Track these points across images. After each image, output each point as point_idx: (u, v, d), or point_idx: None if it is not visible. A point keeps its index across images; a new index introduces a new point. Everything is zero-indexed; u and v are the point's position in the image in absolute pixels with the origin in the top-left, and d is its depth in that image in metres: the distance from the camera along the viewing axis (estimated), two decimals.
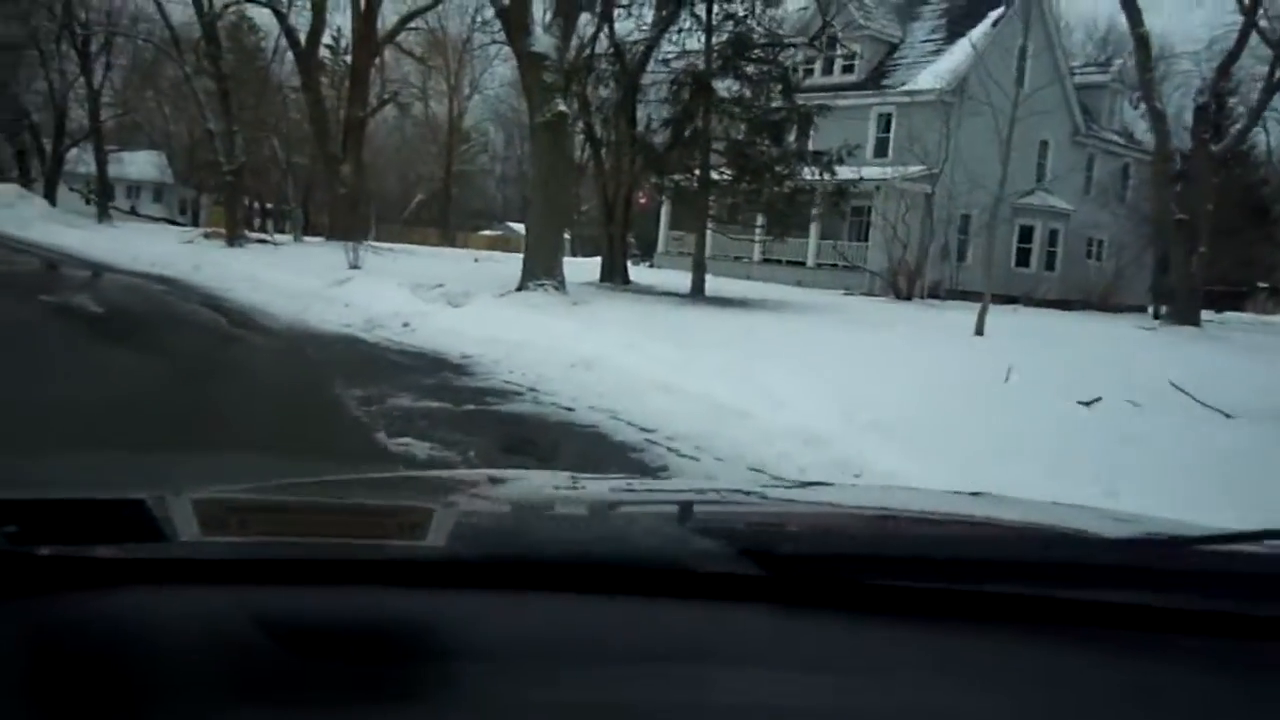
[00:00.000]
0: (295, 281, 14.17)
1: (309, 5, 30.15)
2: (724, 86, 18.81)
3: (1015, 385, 8.66)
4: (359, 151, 31.59)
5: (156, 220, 44.70)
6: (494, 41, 42.62)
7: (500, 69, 50.79)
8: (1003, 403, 7.49)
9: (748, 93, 18.77)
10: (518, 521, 1.23)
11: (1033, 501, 1.95)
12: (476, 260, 28.56)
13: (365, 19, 30.71)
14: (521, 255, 16.23)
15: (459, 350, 9.40)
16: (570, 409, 7.06)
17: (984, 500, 1.57)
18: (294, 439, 5.42)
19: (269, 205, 47.06)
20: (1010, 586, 0.97)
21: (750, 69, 18.77)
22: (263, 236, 27.97)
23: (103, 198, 34.32)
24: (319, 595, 0.88)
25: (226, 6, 26.72)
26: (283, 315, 11.44)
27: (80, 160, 39.59)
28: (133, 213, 44.41)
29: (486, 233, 61.18)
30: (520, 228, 59.29)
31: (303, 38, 29.86)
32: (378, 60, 32.67)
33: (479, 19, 41.44)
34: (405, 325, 10.73)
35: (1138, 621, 0.96)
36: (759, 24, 19.16)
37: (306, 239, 32.86)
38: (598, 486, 1.57)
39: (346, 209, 30.51)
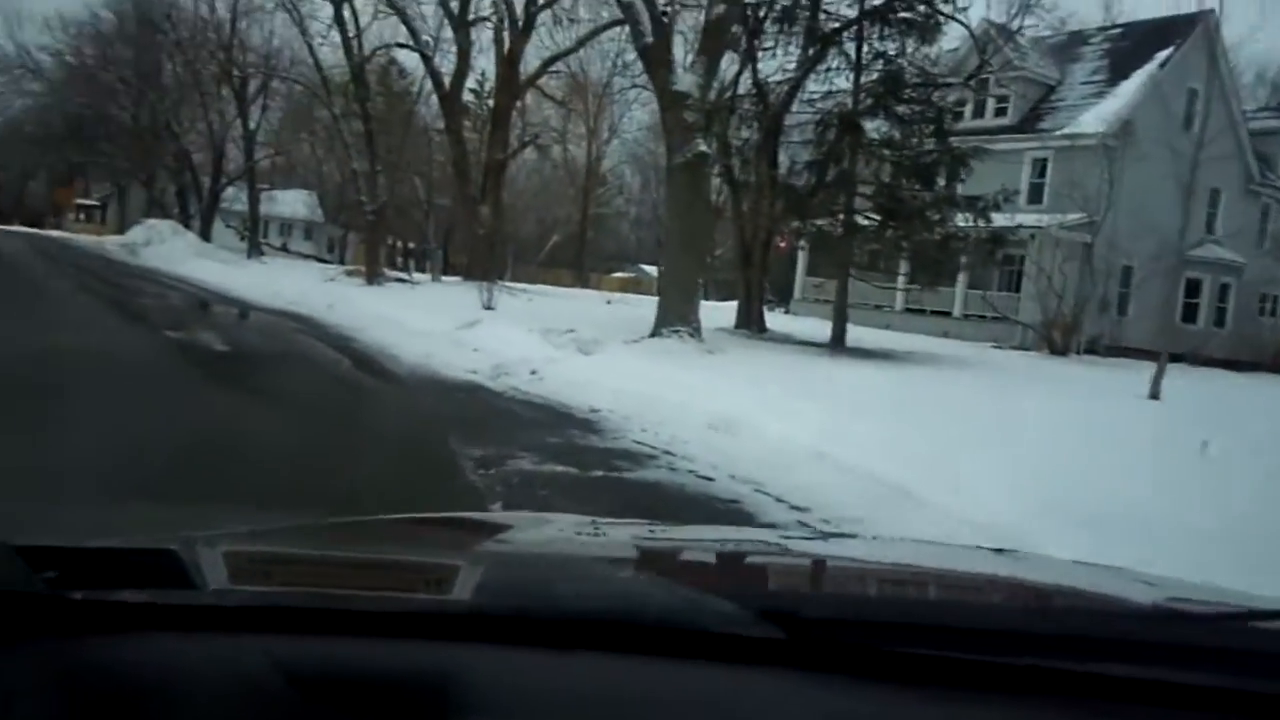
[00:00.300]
0: (426, 322, 13.74)
1: (454, 49, 30.51)
2: (872, 127, 17.80)
3: (1221, 461, 7.42)
4: (498, 193, 31.64)
5: (305, 257, 45.93)
6: (634, 85, 42.55)
7: (638, 113, 50.83)
8: (1223, 487, 6.29)
9: (897, 134, 17.70)
10: (542, 575, 1.18)
11: (1058, 561, 1.95)
12: (609, 302, 28.10)
13: (508, 63, 30.81)
14: (654, 298, 15.51)
15: (588, 403, 8.65)
16: (709, 479, 6.19)
17: (1009, 559, 1.61)
18: (397, 505, 4.69)
19: (410, 245, 47.97)
20: (1035, 659, 0.96)
21: (901, 109, 17.71)
22: (401, 276, 28.07)
23: (253, 234, 35.28)
24: (344, 646, 0.89)
25: (375, 51, 27.10)
26: (408, 358, 10.93)
27: (237, 199, 41.01)
28: (284, 249, 45.77)
29: (619, 275, 61.12)
30: (653, 270, 59.38)
31: (447, 81, 30.13)
32: (519, 103, 32.72)
33: (619, 63, 41.57)
34: (533, 373, 10.05)
35: (1167, 698, 0.94)
36: (910, 62, 18.12)
37: (444, 279, 33.02)
38: (621, 534, 1.56)
39: (484, 250, 30.52)
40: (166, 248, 27.93)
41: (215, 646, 0.87)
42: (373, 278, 25.60)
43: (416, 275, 31.16)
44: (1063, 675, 0.95)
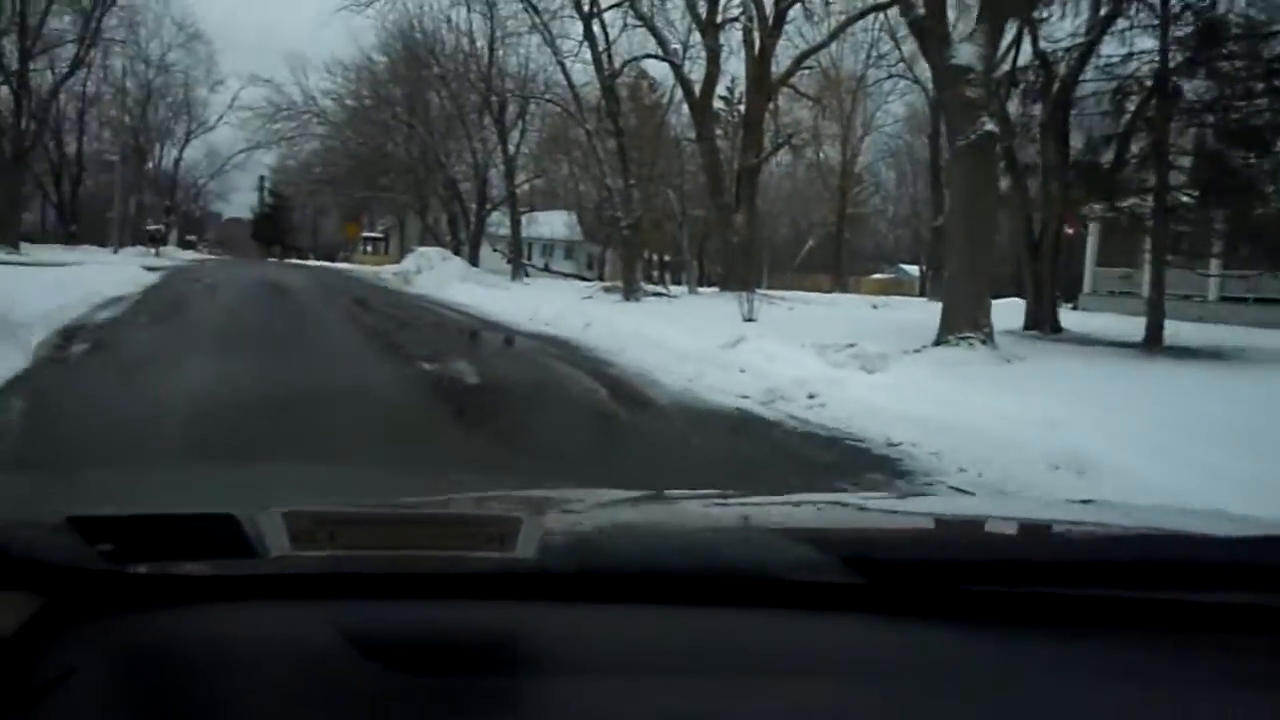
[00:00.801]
0: (686, 340, 12.57)
1: (703, 55, 29.56)
2: (1188, 89, 15.09)
3: None
4: (752, 199, 30.40)
5: (565, 276, 46.45)
6: (890, 75, 40.40)
7: (894, 105, 48.24)
8: None
9: (1220, 93, 14.89)
10: (608, 534, 1.16)
11: (1147, 507, 1.97)
12: (875, 307, 26.16)
13: (759, 62, 29.52)
14: (919, 299, 13.63)
15: (883, 434, 7.10)
16: None
17: (1093, 507, 1.68)
18: None
19: (665, 257, 47.59)
20: (1116, 590, 0.94)
21: (1224, 65, 14.89)
22: (658, 289, 27.32)
23: (516, 256, 35.74)
24: (409, 609, 0.87)
25: (625, 64, 26.51)
26: (670, 383, 9.74)
27: (501, 223, 41.96)
28: (546, 269, 46.50)
29: (878, 276, 58.59)
30: (913, 270, 56.25)
31: (697, 89, 29.22)
32: (771, 105, 31.32)
33: (873, 53, 39.39)
34: (811, 397, 8.59)
35: (1256, 623, 0.92)
36: (1231, 10, 15.24)
37: (700, 290, 32.09)
38: (688, 498, 1.48)
39: (740, 258, 29.33)
40: (436, 274, 28.52)
41: (279, 615, 0.86)
42: (629, 293, 24.92)
43: (673, 288, 30.38)
44: (1140, 605, 0.93)
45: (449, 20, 34.46)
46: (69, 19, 38.10)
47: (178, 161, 67.22)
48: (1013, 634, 0.90)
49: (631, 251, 26.13)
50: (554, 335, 14.68)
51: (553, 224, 52.82)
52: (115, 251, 43.39)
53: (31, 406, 6.86)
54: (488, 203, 38.77)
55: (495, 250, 41.59)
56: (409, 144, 43.22)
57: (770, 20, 29.59)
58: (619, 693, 0.78)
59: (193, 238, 73.85)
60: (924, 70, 36.36)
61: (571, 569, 0.95)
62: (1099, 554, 1.06)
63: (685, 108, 31.61)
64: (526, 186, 39.78)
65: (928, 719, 0.79)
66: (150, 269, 27.74)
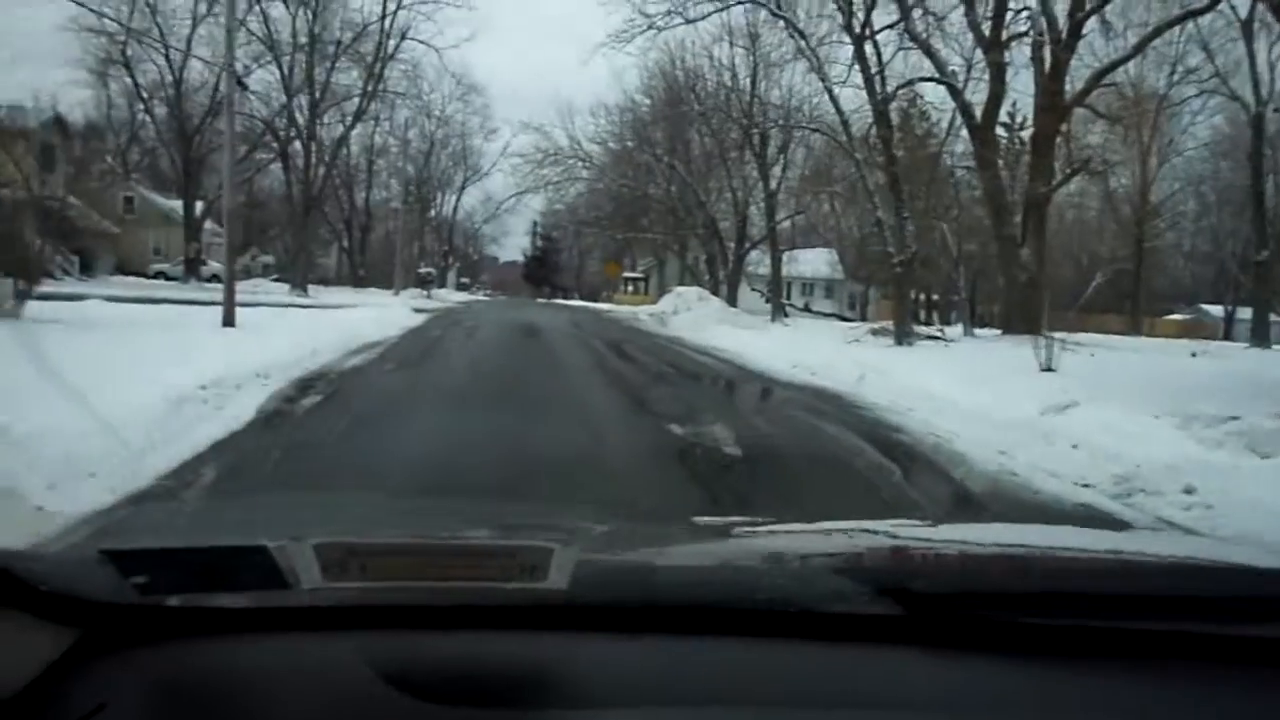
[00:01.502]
0: (984, 399, 10.30)
1: (981, 76, 26.79)
2: None
3: None
4: (1041, 231, 27.13)
5: (826, 316, 44.30)
6: (1202, 92, 35.71)
7: (1197, 128, 42.97)
8: None
9: None
10: (641, 565, 1.14)
11: (1178, 535, 1.92)
12: (1194, 355, 22.39)
13: (1051, 78, 26.36)
14: (1237, 345, 10.63)
15: None
16: None
17: (1126, 535, 1.64)
18: None
19: (933, 296, 44.41)
20: (1153, 622, 0.93)
21: None
22: (932, 332, 24.68)
23: (776, 296, 33.94)
24: (440, 640, 0.87)
25: (899, 88, 24.26)
26: (980, 460, 7.57)
27: (760, 261, 40.44)
28: (806, 309, 44.53)
29: (1175, 317, 52.87)
30: (1216, 310, 49.78)
31: (977, 112, 26.42)
32: (1063, 127, 27.96)
33: (1178, 68, 34.95)
34: (1188, 492, 6.19)
35: None
36: None
37: (976, 333, 29.06)
38: (721, 528, 1.50)
39: (1024, 297, 26.20)
40: (693, 315, 27.19)
41: (311, 647, 0.85)
42: (901, 336, 22.50)
43: (946, 330, 27.56)
44: (1181, 638, 0.91)
45: (710, 56, 33.45)
46: (355, 74, 40.17)
47: (455, 208, 70.71)
48: (1052, 667, 0.88)
49: (904, 291, 23.70)
50: (823, 388, 12.70)
51: (812, 262, 50.83)
52: (396, 294, 45.29)
53: (220, 476, 5.74)
54: (747, 241, 37.24)
55: (754, 289, 40.04)
56: (669, 184, 42.67)
57: (1064, 33, 26.40)
58: None
59: (466, 280, 77.32)
60: (1244, 83, 31.83)
61: (603, 600, 0.93)
62: (1133, 586, 1.03)
63: (957, 135, 28.93)
64: (786, 224, 37.94)
65: None
66: (419, 310, 28.11)
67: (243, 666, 0.83)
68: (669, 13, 24.04)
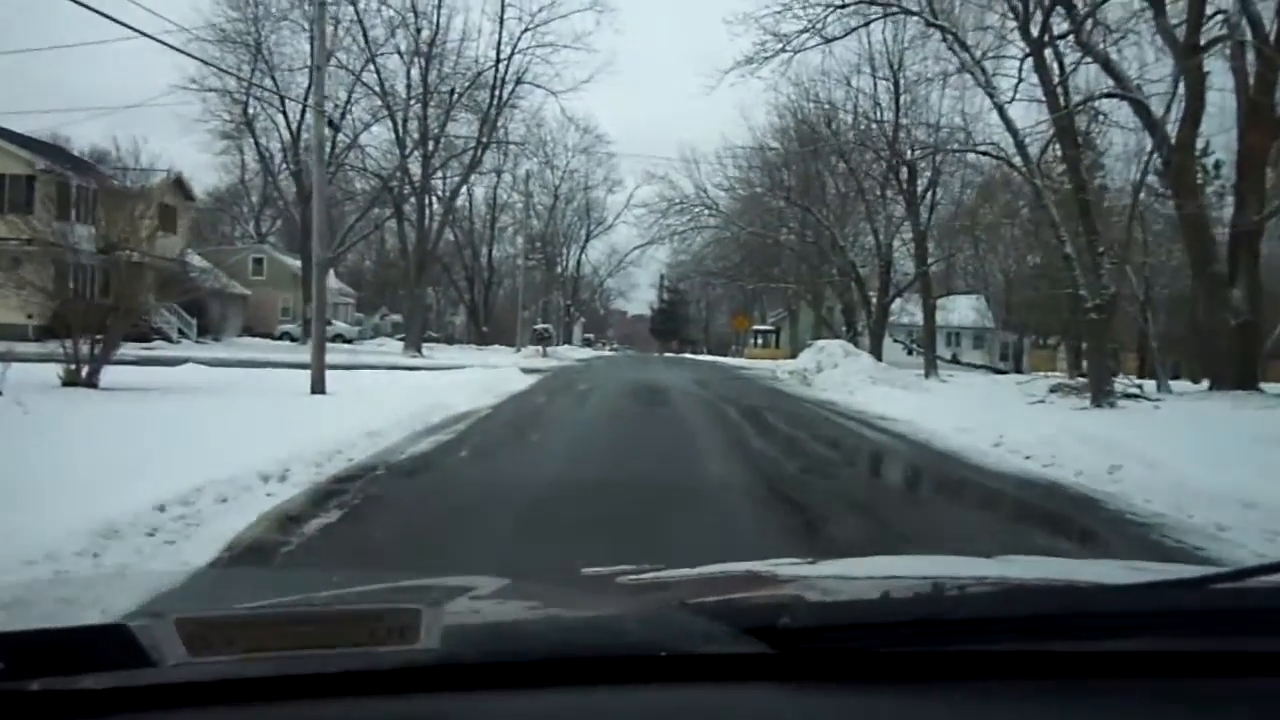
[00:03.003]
0: None
1: (1172, 89, 22.34)
2: None
3: None
4: (1255, 268, 22.36)
5: (976, 368, 39.74)
6: None
7: None
8: None
9: None
10: (512, 620, 1.14)
11: (1049, 560, 2.04)
12: None
13: (1259, 89, 21.81)
14: None
15: None
16: None
17: (996, 562, 1.56)
18: None
19: (1112, 346, 39.45)
20: (1017, 643, 0.94)
21: None
22: (1130, 389, 20.16)
23: (930, 350, 29.65)
24: (311, 710, 0.86)
25: (1081, 103, 20.11)
26: None
27: (902, 311, 36.32)
28: (954, 361, 40.08)
29: None
30: None
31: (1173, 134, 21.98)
32: (1277, 144, 23.20)
33: None
34: None
35: (1156, 669, 0.93)
36: None
37: (1173, 388, 24.31)
38: (597, 576, 1.42)
39: (1237, 345, 21.51)
40: (840, 372, 23.31)
41: None
42: (1100, 397, 18.16)
43: (1143, 385, 22.92)
44: (1053, 657, 0.93)
45: (849, 85, 29.84)
46: (473, 126, 37.97)
47: (579, 262, 68.51)
48: (917, 694, 0.89)
49: (1101, 342, 19.32)
50: (1058, 482, 8.81)
51: (960, 310, 46.35)
52: (518, 350, 42.97)
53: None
54: (891, 287, 33.14)
55: (896, 341, 35.90)
56: (802, 229, 39.02)
57: (1272, 35, 21.86)
58: None
59: (590, 335, 75.09)
60: None
61: (475, 658, 0.92)
62: (998, 609, 1.03)
63: (1134, 161, 24.35)
64: (936, 268, 33.68)
65: None
66: (530, 371, 25.11)
67: None
68: (804, 31, 20.55)
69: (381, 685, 0.87)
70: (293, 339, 43.02)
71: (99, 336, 15.65)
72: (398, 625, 1.06)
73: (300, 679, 0.87)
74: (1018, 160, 20.11)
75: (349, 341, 45.16)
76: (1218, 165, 33.89)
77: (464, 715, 0.85)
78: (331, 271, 51.39)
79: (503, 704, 0.86)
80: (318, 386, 16.15)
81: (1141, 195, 23.87)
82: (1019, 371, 41.87)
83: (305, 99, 35.51)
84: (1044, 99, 18.96)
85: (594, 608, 1.20)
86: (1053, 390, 21.44)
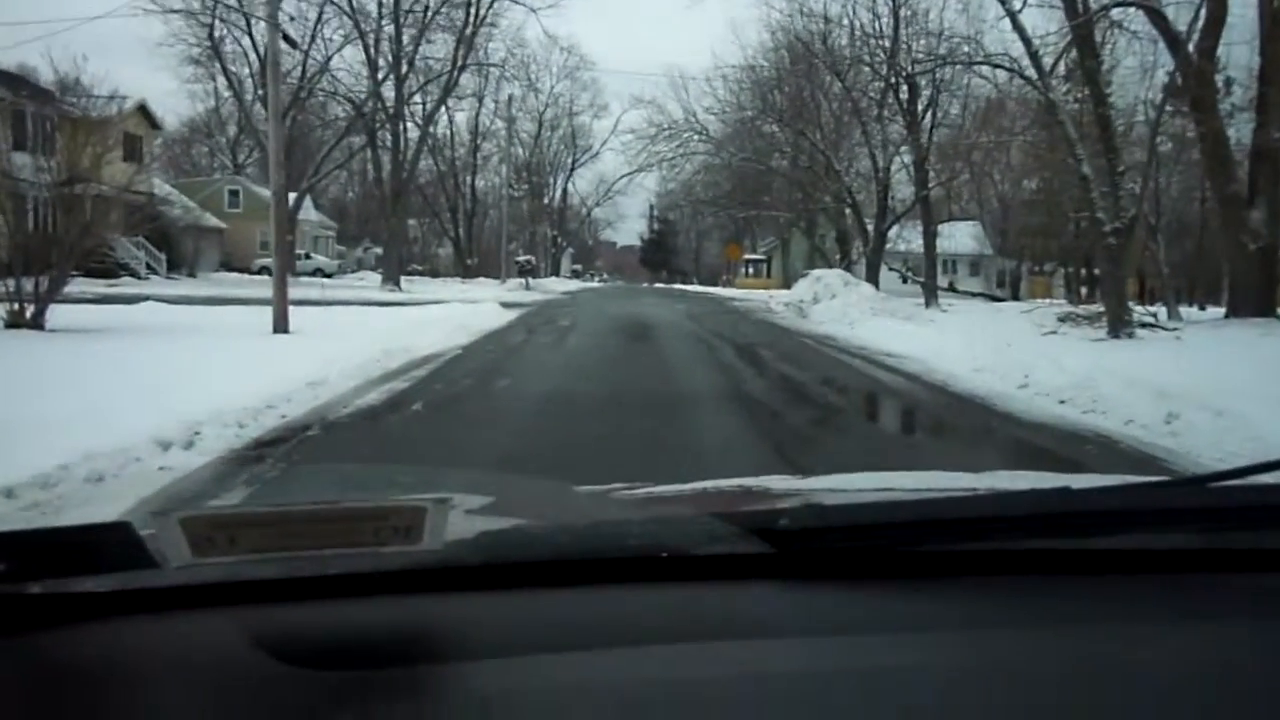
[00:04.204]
0: None
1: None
2: None
3: None
4: (1275, 190, 20.89)
5: (974, 296, 38.39)
6: None
7: None
8: None
9: None
10: (514, 523, 1.13)
11: (1044, 474, 2.05)
12: None
13: None
14: None
15: None
16: None
17: (993, 475, 1.67)
18: None
19: (1094, 271, 38.25)
20: (1016, 541, 0.96)
21: None
22: (1147, 319, 18.84)
23: (930, 278, 28.23)
24: (316, 610, 0.87)
25: (1099, 10, 18.37)
26: None
27: (899, 238, 34.85)
28: (951, 289, 38.64)
29: None
30: None
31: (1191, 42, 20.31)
32: None
33: None
34: None
35: (1156, 565, 0.95)
36: None
37: (1183, 315, 23.04)
38: (600, 494, 1.42)
39: (1255, 271, 20.19)
40: (838, 303, 21.91)
41: (186, 626, 0.84)
42: (1118, 327, 16.85)
43: (1158, 313, 21.59)
44: (1047, 555, 0.95)
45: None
46: (450, 47, 35.78)
47: (565, 192, 66.58)
48: (917, 589, 0.90)
49: (1117, 267, 17.91)
50: (1107, 435, 7.51)
51: (957, 237, 44.83)
52: (503, 283, 41.54)
53: None
54: (888, 214, 31.59)
55: (891, 269, 34.44)
56: (795, 154, 37.32)
57: None
58: (527, 671, 0.78)
59: (578, 267, 73.40)
60: None
61: (477, 560, 0.92)
62: (996, 509, 1.04)
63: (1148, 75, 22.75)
64: (935, 193, 32.10)
65: (839, 679, 0.79)
66: (511, 305, 23.66)
67: (117, 650, 0.79)
68: None
69: (385, 585, 0.87)
70: (270, 274, 41.43)
71: (45, 274, 14.41)
72: (403, 525, 1.00)
73: (302, 580, 0.86)
74: (1031, 73, 18.53)
75: (328, 275, 43.53)
76: (1229, 82, 32.13)
77: (468, 613, 0.85)
78: (311, 203, 49.72)
79: (505, 603, 0.87)
80: (280, 325, 15.15)
81: (1156, 112, 22.31)
82: (1016, 299, 40.62)
83: (274, 15, 33.40)
84: (1060, 3, 17.25)
85: (595, 514, 1.20)
86: (1062, 320, 20.13)
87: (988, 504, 1.10)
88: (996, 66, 20.76)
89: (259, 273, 42.24)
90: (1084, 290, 37.91)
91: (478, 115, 54.14)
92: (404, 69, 34.37)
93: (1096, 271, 37.48)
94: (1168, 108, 26.00)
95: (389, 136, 36.01)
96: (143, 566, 0.84)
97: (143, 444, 5.97)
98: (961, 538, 0.95)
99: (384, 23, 33.90)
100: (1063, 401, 9.03)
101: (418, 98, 36.95)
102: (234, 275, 41.15)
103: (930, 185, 28.98)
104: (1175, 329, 18.39)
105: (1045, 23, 18.42)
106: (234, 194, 48.58)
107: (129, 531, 0.87)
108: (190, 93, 50.95)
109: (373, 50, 34.34)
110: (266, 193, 47.17)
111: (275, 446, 6.46)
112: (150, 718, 0.74)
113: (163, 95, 69.18)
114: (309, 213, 49.48)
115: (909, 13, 26.52)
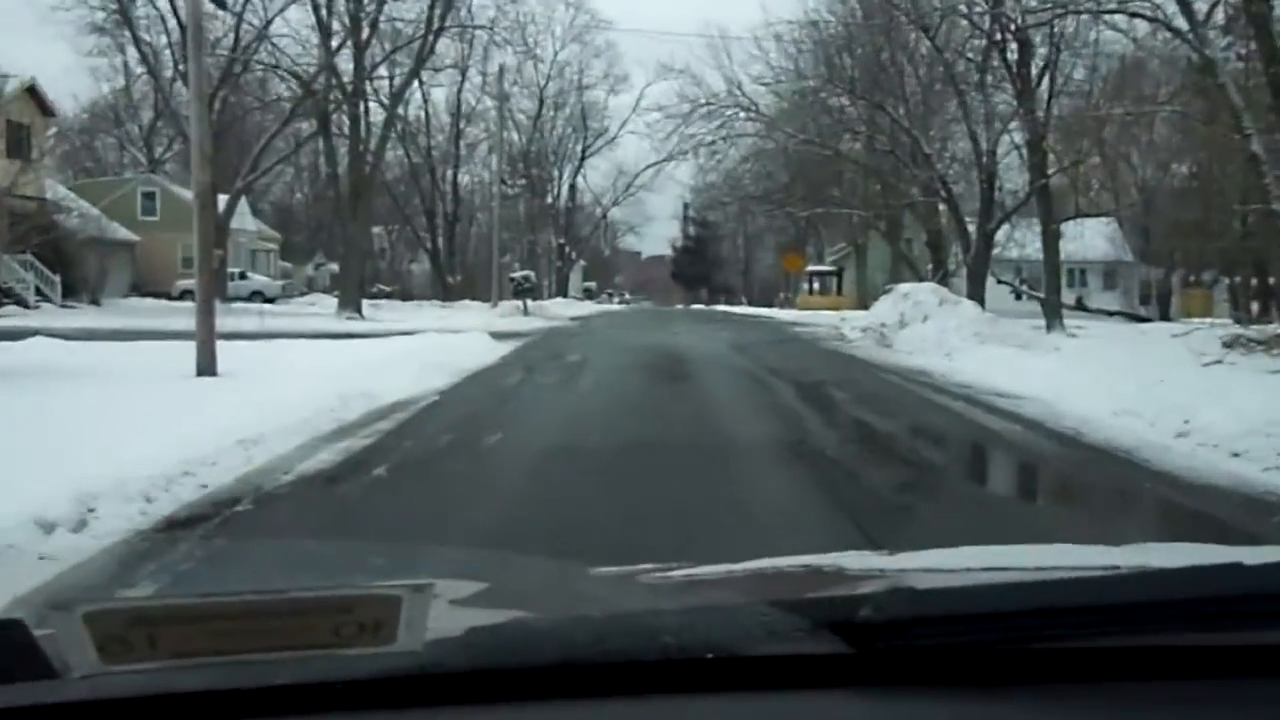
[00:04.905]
0: None
1: None
2: None
3: None
4: None
5: (1110, 315, 38.25)
6: None
7: None
8: None
9: None
10: (514, 615, 1.13)
11: (1206, 546, 2.34)
12: None
13: None
14: None
15: None
16: None
17: (1151, 549, 1.85)
18: None
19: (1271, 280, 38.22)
20: (1174, 635, 0.97)
21: None
22: None
23: (1053, 292, 28.18)
24: None
25: None
26: None
27: (1009, 242, 34.83)
28: (1080, 307, 38.59)
29: None
30: None
31: None
32: None
33: None
34: None
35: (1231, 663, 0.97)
36: None
37: None
38: (622, 577, 1.47)
39: None
40: (933, 327, 21.92)
41: None
42: None
43: None
44: (1213, 652, 0.96)
45: None
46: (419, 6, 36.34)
47: (573, 188, 67.10)
48: (1030, 697, 0.91)
49: None
50: None
51: (1086, 238, 44.81)
52: (495, 306, 41.78)
53: None
54: (995, 211, 31.62)
55: (1000, 282, 34.51)
56: (872, 134, 37.56)
57: None
58: None
59: (591, 284, 73.98)
60: None
61: (465, 664, 0.92)
62: (1141, 593, 1.06)
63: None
64: (1058, 180, 32.11)
65: None
66: (504, 336, 23.85)
67: None
68: None
69: (348, 699, 0.86)
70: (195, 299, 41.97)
71: None
72: (371, 619, 1.03)
73: (245, 694, 0.85)
74: (1180, 23, 18.62)
75: (270, 300, 44.11)
76: None
77: None
78: (248, 207, 50.48)
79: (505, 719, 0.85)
80: (205, 366, 15.50)
81: None
82: (1166, 318, 40.50)
83: None
84: None
85: (618, 604, 1.19)
86: (1229, 345, 20.00)
87: (1132, 586, 1.12)
88: (1134, 15, 20.95)
89: (181, 297, 42.82)
90: (1256, 306, 37.76)
91: (460, 92, 55.01)
92: (365, 33, 34.98)
93: (1272, 280, 37.47)
94: None
95: (346, 121, 36.60)
96: (37, 677, 0.85)
97: (18, 525, 6.01)
98: (1097, 630, 0.96)
99: None
100: (1236, 455, 9.02)
101: (383, 70, 37.68)
102: (149, 302, 41.86)
103: (1050, 172, 29.03)
104: None
105: None
106: (149, 197, 49.45)
107: (21, 631, 0.87)
108: (93, 69, 51.74)
109: (324, 10, 34.99)
110: (189, 195, 47.88)
111: (192, 527, 6.56)
112: None
113: (58, 73, 70.60)
114: (245, 220, 50.19)
115: None
